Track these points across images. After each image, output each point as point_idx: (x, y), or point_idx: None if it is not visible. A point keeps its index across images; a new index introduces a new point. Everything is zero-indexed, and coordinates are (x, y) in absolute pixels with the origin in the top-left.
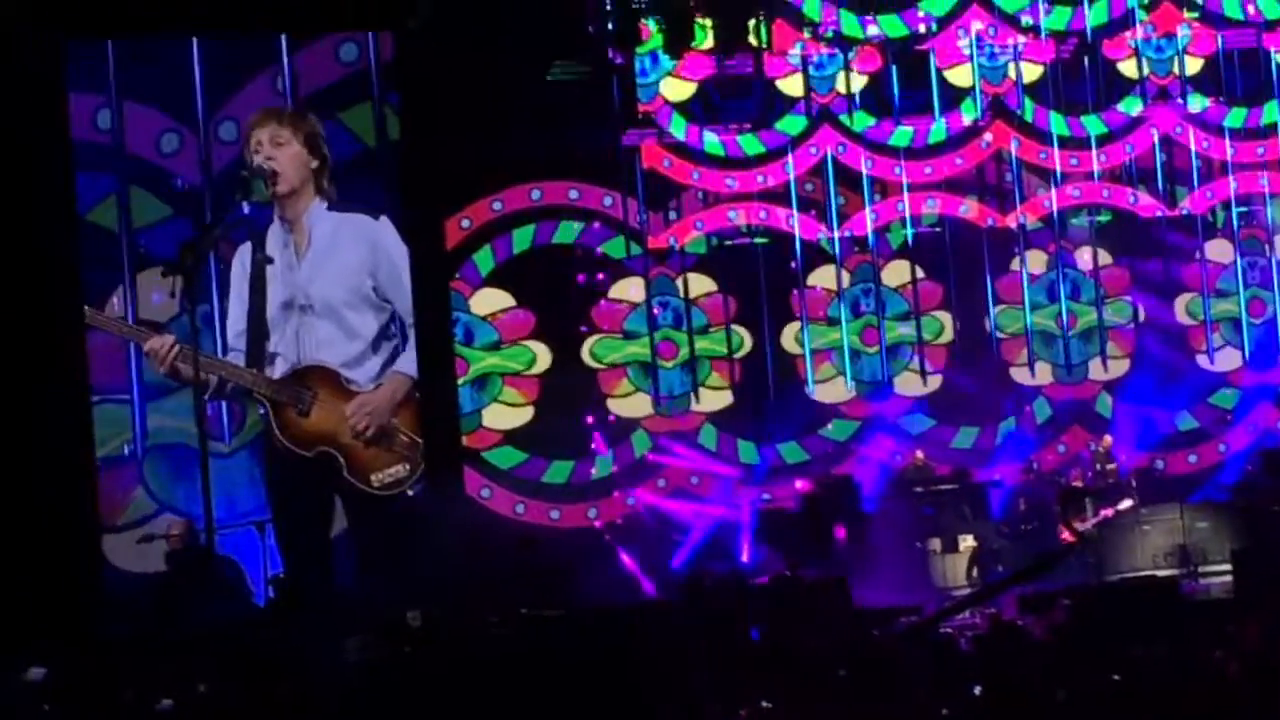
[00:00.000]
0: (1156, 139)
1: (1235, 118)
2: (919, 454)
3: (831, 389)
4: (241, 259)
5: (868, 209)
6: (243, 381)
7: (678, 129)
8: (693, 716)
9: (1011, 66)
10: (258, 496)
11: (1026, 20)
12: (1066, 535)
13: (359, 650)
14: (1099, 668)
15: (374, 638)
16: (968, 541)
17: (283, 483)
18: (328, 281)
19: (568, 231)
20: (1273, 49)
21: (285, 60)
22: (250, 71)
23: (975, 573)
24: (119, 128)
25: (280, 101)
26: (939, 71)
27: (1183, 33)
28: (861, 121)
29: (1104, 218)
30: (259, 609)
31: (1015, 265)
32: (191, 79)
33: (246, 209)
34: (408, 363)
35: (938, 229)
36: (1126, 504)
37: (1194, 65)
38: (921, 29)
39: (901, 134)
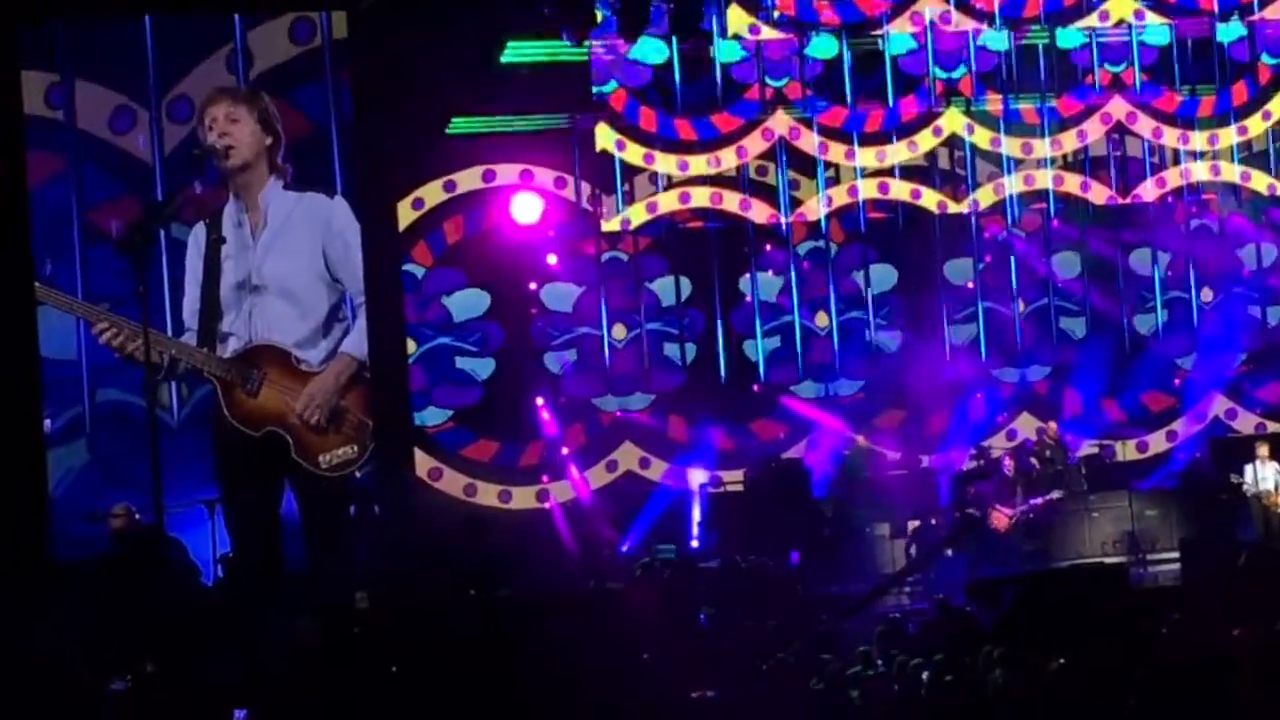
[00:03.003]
0: (1108, 127)
1: (1186, 107)
2: (860, 439)
3: (782, 372)
4: (195, 238)
5: (820, 194)
6: (193, 361)
7: (631, 112)
8: (642, 699)
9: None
10: (206, 476)
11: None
12: (998, 521)
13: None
14: (1046, 653)
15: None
16: (915, 526)
17: (231, 462)
18: (282, 261)
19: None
20: (1224, 36)
21: (239, 39)
22: (204, 51)
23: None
24: (70, 105)
25: (233, 80)
26: (893, 57)
27: (1136, 21)
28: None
29: (1055, 205)
30: (206, 589)
31: (966, 250)
32: (145, 58)
33: (199, 188)
34: (355, 343)
35: (890, 214)
36: (1055, 495)
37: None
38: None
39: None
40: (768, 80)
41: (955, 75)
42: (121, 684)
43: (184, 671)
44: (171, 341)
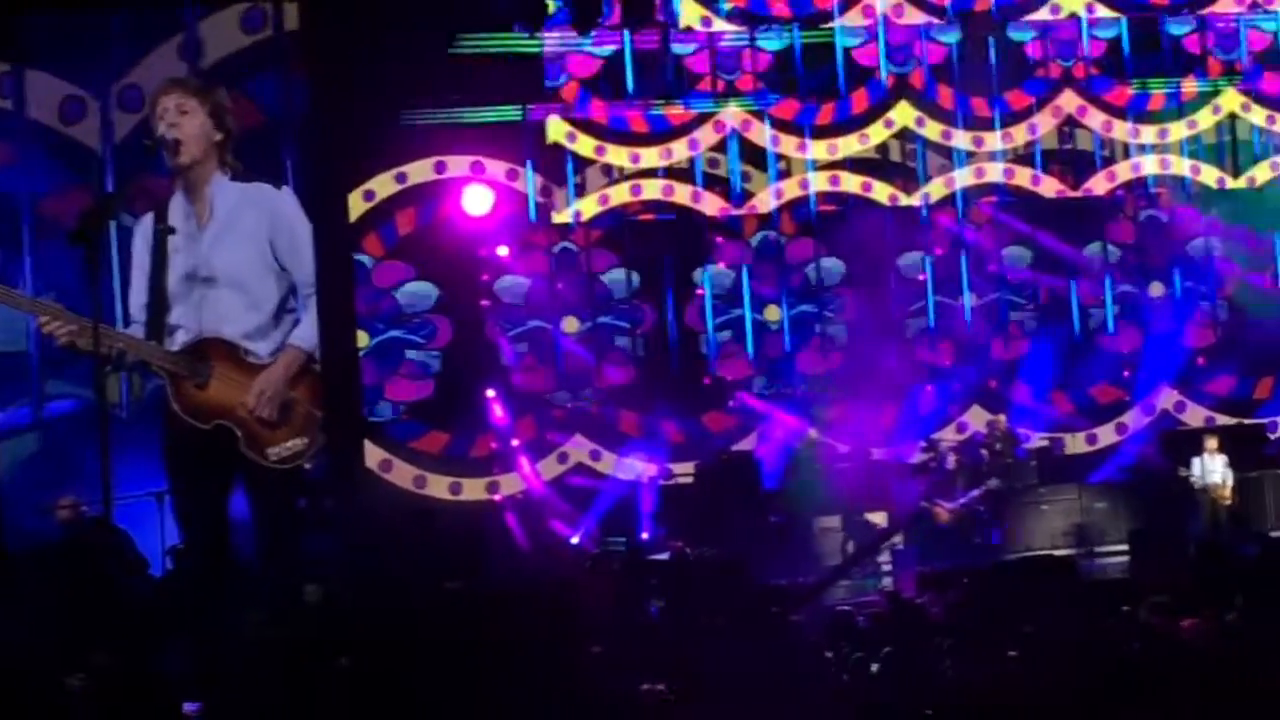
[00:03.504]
0: (1058, 121)
1: (1137, 101)
2: (811, 432)
3: (733, 365)
4: (143, 230)
5: (771, 186)
6: (141, 354)
7: (583, 104)
8: (593, 693)
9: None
10: (156, 468)
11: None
12: (939, 516)
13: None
14: (996, 645)
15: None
16: (875, 519)
17: (179, 455)
18: (230, 252)
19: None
20: (1175, 30)
21: (190, 28)
22: (155, 40)
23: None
24: (20, 94)
25: (185, 70)
26: (845, 50)
27: (1086, 15)
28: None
29: (1007, 198)
30: (154, 581)
31: (917, 243)
32: (95, 47)
33: (151, 179)
34: (304, 335)
35: (842, 207)
36: (993, 484)
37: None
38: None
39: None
40: (720, 73)
41: (907, 68)
42: (78, 680)
43: (135, 665)
44: (119, 334)
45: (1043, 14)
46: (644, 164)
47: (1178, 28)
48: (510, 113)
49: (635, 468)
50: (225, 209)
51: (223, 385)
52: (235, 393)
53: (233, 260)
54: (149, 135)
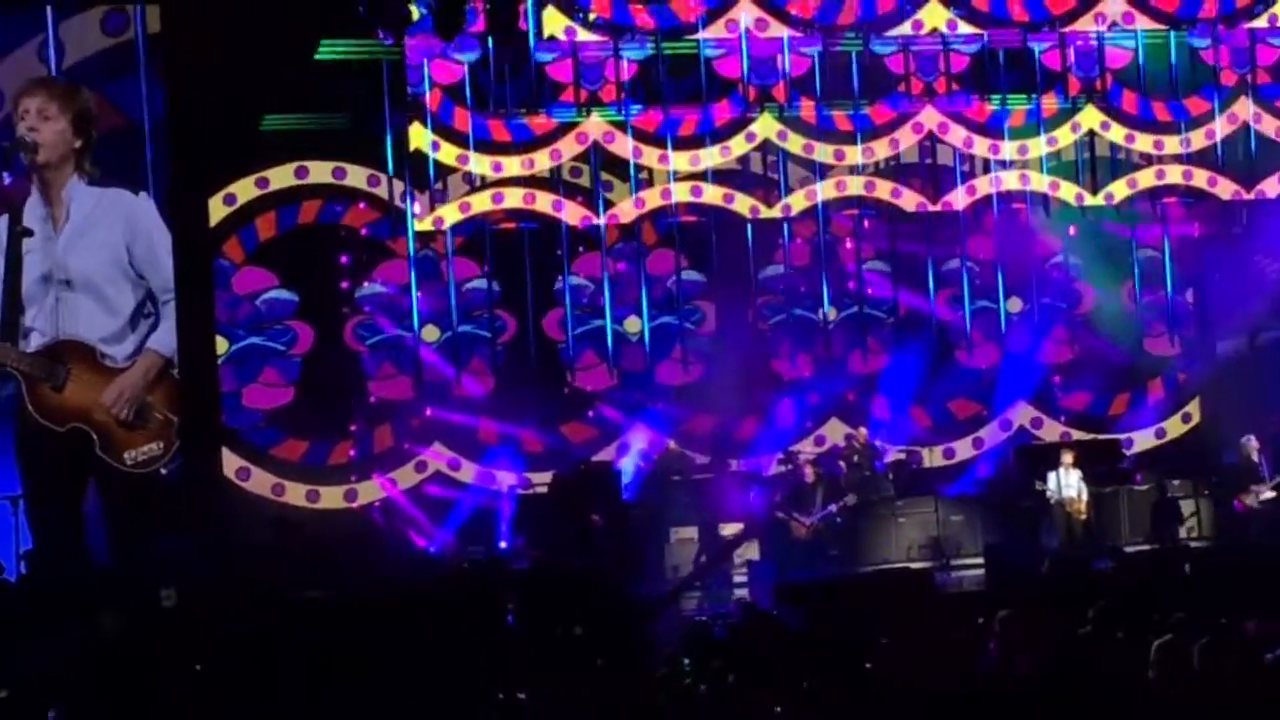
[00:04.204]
0: (920, 136)
1: (997, 117)
2: (671, 443)
3: (594, 376)
4: None
5: (632, 196)
6: None
7: (445, 112)
8: (451, 700)
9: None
10: (9, 472)
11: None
12: (796, 529)
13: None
14: (852, 656)
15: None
16: (729, 530)
17: (34, 458)
18: (86, 256)
19: (332, 212)
20: (1036, 47)
21: (50, 30)
22: (14, 41)
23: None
24: None
25: (44, 71)
26: (708, 62)
27: (949, 31)
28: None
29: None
30: (8, 585)
31: (778, 256)
32: None
33: (8, 179)
34: (162, 340)
35: (703, 219)
36: (850, 500)
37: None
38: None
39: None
40: (583, 83)
41: (769, 81)
42: None
43: None
44: None
45: (905, 29)
46: (506, 172)
47: (1038, 45)
48: (373, 119)
49: (508, 479)
50: (82, 213)
51: (79, 388)
52: (92, 396)
53: (89, 264)
54: (7, 137)
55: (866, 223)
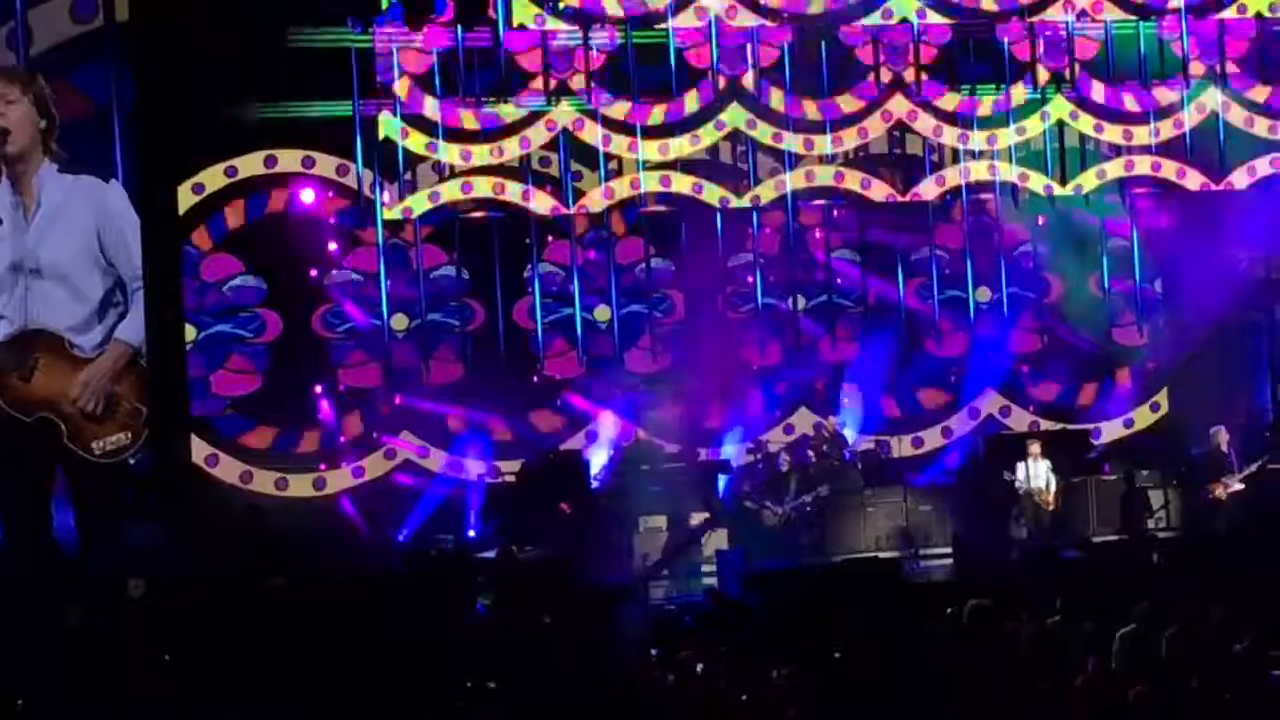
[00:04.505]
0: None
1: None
2: (640, 432)
3: (563, 364)
4: None
5: (601, 186)
6: None
7: (414, 101)
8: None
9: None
10: None
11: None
12: (769, 517)
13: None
14: (821, 645)
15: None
16: (697, 520)
17: (1, 449)
18: (56, 245)
19: (300, 199)
20: (1004, 39)
21: (19, 16)
22: None
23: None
24: None
25: (12, 58)
26: (678, 51)
27: (918, 20)
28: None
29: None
30: None
31: (747, 245)
32: None
33: None
34: (130, 330)
35: (672, 208)
36: (824, 491)
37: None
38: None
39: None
40: (552, 71)
41: (738, 71)
42: None
43: None
44: None
45: (874, 19)
46: (475, 161)
47: (1008, 35)
48: (341, 108)
49: (476, 467)
50: (52, 202)
51: (47, 378)
52: (60, 385)
53: (59, 253)
54: None
55: (836, 212)
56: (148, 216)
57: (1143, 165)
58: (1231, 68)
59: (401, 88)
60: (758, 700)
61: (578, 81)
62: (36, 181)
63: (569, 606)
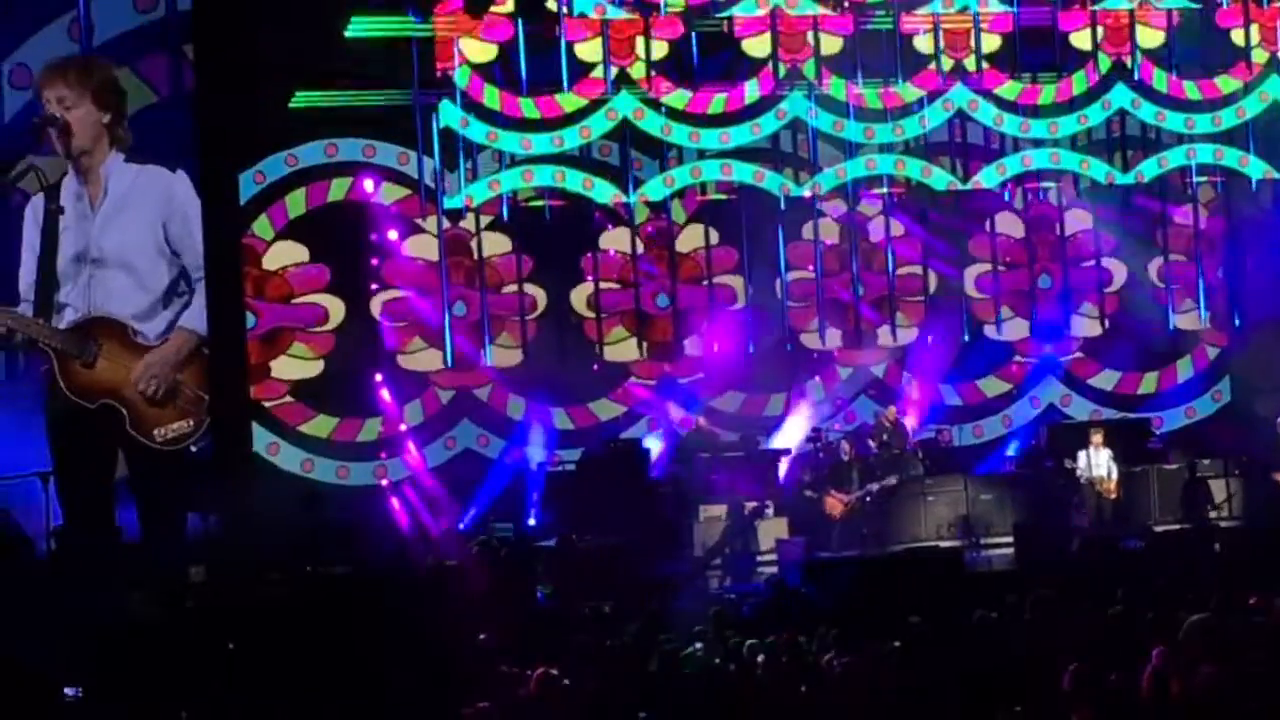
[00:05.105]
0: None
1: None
2: (701, 420)
3: (622, 350)
4: (34, 209)
5: (662, 174)
6: (29, 332)
7: (475, 90)
8: (481, 677)
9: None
10: (41, 448)
11: None
12: (832, 507)
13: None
14: (881, 635)
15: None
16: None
17: (65, 434)
18: (121, 234)
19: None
20: (1065, 27)
21: (81, 7)
22: (45, 17)
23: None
24: None
25: (74, 48)
26: (737, 40)
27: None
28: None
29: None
30: (39, 562)
31: (808, 233)
32: None
33: (39, 159)
34: (194, 318)
35: (733, 196)
36: (891, 481)
37: (991, 42)
38: None
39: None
40: (613, 61)
41: (800, 59)
42: None
43: (20, 648)
44: (7, 312)
45: (935, 6)
46: (535, 150)
47: (1069, 23)
48: (402, 97)
49: (537, 456)
50: (119, 191)
51: (110, 365)
52: (123, 373)
53: (123, 242)
54: (38, 113)
55: (896, 200)
56: (209, 205)
57: (1204, 153)
58: None
59: (461, 76)
60: (817, 690)
61: (638, 70)
62: (103, 171)
63: (628, 595)
